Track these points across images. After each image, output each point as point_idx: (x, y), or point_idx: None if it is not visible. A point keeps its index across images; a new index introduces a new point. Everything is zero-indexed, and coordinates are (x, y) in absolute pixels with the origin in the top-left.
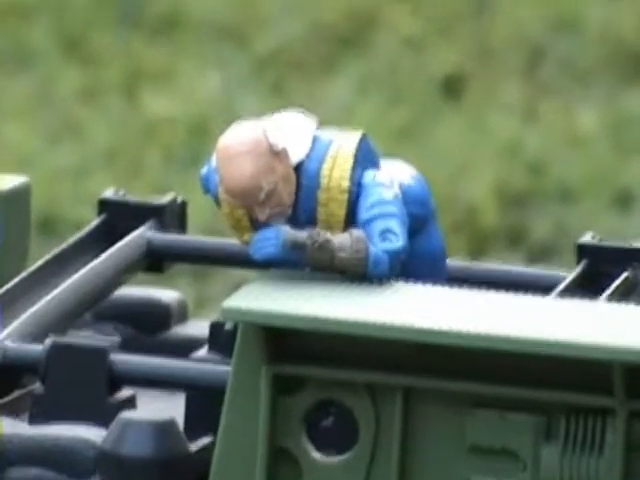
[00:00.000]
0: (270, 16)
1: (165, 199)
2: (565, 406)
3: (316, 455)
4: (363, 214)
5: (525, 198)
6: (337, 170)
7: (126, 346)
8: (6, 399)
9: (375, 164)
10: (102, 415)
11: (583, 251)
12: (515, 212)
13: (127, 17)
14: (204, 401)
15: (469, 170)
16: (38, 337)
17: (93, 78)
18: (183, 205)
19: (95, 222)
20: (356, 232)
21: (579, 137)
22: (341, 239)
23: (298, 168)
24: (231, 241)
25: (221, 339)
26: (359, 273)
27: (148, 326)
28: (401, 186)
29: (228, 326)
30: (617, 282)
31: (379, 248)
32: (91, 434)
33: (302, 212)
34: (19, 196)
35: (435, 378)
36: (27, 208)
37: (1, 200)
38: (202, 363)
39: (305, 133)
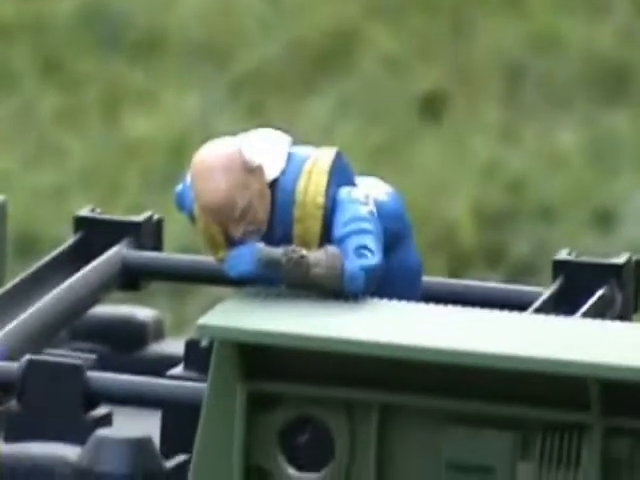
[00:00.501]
0: (249, 36)
1: (141, 217)
2: (541, 422)
3: (292, 472)
4: (338, 230)
5: (504, 217)
6: (312, 186)
7: (102, 364)
8: None
9: (350, 180)
10: (78, 433)
11: (559, 267)
12: (494, 231)
13: (107, 39)
14: (180, 418)
15: (448, 189)
16: (14, 355)
17: (73, 99)
18: (159, 223)
19: (71, 240)
20: (331, 248)
21: (558, 156)
22: (316, 255)
23: (273, 184)
24: (207, 259)
25: (197, 356)
26: (335, 289)
27: (124, 344)
28: (376, 202)
29: (204, 343)
30: (593, 298)
31: (355, 264)
32: (67, 452)
33: (278, 228)
34: None
35: (411, 394)
36: (3, 227)
37: None
38: (178, 381)
39: (280, 150)
